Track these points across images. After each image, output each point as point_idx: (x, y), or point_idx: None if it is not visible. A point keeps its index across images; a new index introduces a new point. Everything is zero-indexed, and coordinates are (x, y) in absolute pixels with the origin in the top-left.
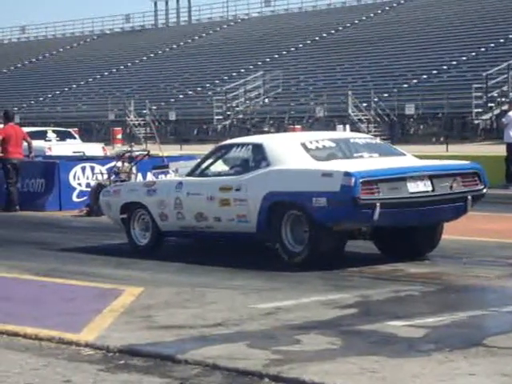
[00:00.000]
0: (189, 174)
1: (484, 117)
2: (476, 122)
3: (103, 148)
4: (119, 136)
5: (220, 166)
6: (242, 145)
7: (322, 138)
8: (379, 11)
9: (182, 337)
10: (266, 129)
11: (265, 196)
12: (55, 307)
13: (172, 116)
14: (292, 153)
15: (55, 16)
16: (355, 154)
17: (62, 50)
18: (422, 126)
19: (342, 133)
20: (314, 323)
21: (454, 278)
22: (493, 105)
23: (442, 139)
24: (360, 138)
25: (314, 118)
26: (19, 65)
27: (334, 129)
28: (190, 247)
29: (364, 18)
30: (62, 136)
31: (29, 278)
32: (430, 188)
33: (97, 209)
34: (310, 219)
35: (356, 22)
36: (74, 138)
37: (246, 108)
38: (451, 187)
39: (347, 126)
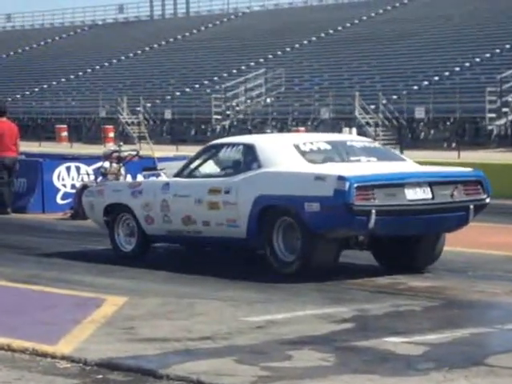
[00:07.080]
0: (176, 175)
1: (498, 122)
2: (490, 127)
3: None
4: (111, 134)
5: (209, 167)
6: (233, 145)
7: (317, 139)
8: (389, 8)
9: (166, 350)
10: (268, 130)
11: (255, 199)
12: (31, 316)
13: (168, 115)
14: (284, 154)
15: (43, 4)
16: (352, 158)
17: (50, 40)
18: (432, 131)
19: (339, 135)
20: (308, 338)
21: (459, 292)
22: (507, 110)
23: (453, 145)
24: (357, 141)
25: (319, 119)
26: (4, 56)
27: (340, 131)
28: (178, 254)
29: (373, 14)
30: None
31: (5, 284)
32: (429, 195)
33: (82, 212)
34: (301, 225)
35: (364, 18)
36: None
37: (246, 107)
38: (452, 195)
39: (353, 129)
